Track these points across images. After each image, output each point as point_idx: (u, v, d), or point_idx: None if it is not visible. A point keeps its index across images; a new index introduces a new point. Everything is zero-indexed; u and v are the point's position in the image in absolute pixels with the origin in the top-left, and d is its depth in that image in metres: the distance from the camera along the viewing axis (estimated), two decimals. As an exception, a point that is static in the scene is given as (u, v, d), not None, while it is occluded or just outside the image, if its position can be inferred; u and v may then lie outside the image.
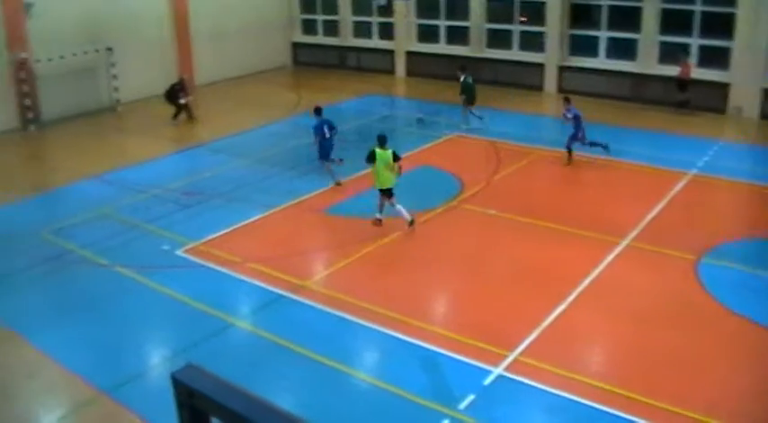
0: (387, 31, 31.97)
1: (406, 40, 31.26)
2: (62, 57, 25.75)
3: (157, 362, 11.60)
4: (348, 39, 33.38)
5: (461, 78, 22.87)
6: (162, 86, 26.25)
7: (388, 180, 15.52)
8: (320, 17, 34.30)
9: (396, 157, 15.57)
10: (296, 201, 17.32)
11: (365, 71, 32.26)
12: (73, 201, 18.53)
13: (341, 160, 18.71)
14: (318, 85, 30.43)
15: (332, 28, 33.84)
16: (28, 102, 25.03)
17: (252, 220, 16.44)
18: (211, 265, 14.32)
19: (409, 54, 31.35)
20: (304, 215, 16.73)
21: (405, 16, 30.90)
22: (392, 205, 15.52)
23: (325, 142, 18.43)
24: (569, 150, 19.60)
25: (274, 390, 10.12)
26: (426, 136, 22.27)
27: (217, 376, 5.83)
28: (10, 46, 24.66)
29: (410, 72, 31.24)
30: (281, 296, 12.95)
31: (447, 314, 12.72)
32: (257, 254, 14.70)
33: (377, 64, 32.19)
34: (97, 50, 26.93)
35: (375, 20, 32.37)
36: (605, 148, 19.60)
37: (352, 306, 12.37)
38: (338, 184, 18.33)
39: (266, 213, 16.76)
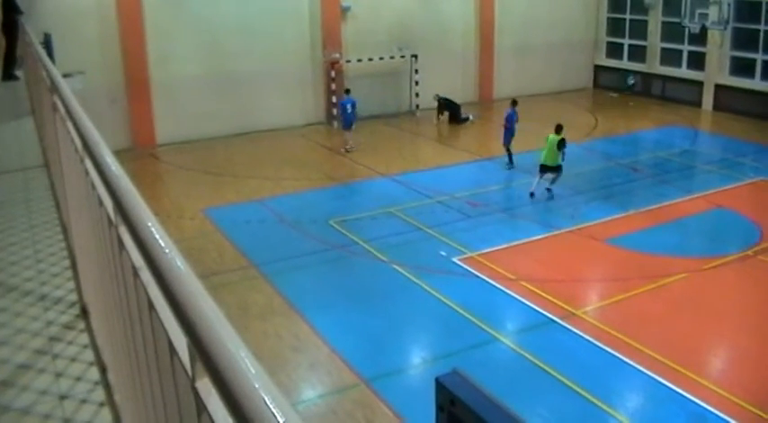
0: (697, 61, 30.22)
1: (717, 72, 29.37)
2: (370, 59, 27.35)
3: (418, 362, 11.96)
4: (654, 66, 32.06)
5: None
6: (460, 97, 27.05)
7: (549, 159, 18.65)
8: (627, 41, 33.27)
9: (561, 145, 18.49)
10: (578, 226, 16.96)
11: (669, 101, 30.82)
12: (363, 195, 19.66)
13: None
14: (617, 111, 29.58)
15: (638, 53, 32.68)
16: (335, 99, 26.86)
17: (531, 239, 16.36)
18: (485, 277, 14.45)
19: (719, 87, 29.41)
20: (584, 242, 16.34)
21: (719, 46, 29.06)
22: (542, 179, 18.83)
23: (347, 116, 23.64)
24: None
25: (529, 414, 9.96)
26: (728, 177, 20.78)
27: (481, 387, 5.75)
28: (325, 46, 26.60)
29: (718, 106, 29.26)
30: (551, 320, 12.75)
31: (726, 371, 11.76)
32: (531, 274, 14.60)
33: (682, 94, 30.56)
34: (403, 56, 28.25)
35: (686, 48, 30.77)
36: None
37: (623, 343, 11.87)
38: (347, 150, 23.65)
39: (546, 235, 16.60)
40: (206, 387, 1.38)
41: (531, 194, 18.77)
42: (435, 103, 27.43)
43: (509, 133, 21.71)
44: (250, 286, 14.24)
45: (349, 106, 23.66)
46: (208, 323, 1.30)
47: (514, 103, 22.65)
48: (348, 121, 23.80)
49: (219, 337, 1.25)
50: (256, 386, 1.11)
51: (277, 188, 20.10)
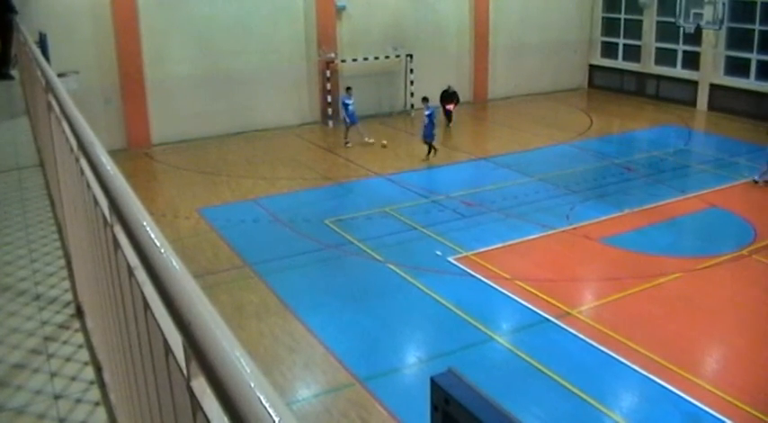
0: (692, 61, 30.22)
1: (711, 72, 29.39)
2: (365, 59, 27.35)
3: (413, 361, 11.94)
4: (649, 65, 32.06)
5: None
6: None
7: None
8: (622, 41, 33.27)
9: None
10: (573, 226, 16.98)
11: (663, 100, 30.84)
12: (359, 195, 19.65)
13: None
14: (613, 111, 29.62)
15: (633, 53, 32.69)
16: (330, 98, 26.82)
17: (526, 238, 16.36)
18: (480, 276, 14.46)
19: (713, 87, 29.41)
20: (579, 241, 16.35)
21: (713, 46, 29.06)
22: None
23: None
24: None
25: (524, 413, 9.97)
26: (721, 177, 20.82)
27: (476, 387, 5.76)
28: (320, 45, 26.59)
29: (712, 106, 29.28)
30: (546, 320, 12.76)
31: (720, 370, 11.79)
32: (526, 273, 14.61)
33: (677, 94, 30.58)
34: (398, 56, 28.25)
35: (680, 47, 30.77)
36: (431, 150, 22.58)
37: (617, 343, 11.89)
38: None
39: (541, 234, 16.61)
40: (201, 386, 1.38)
41: (756, 181, 19.87)
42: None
43: (429, 129, 22.43)
44: (245, 285, 14.23)
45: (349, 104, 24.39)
46: (203, 322, 1.30)
47: (426, 99, 23.40)
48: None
49: (214, 337, 1.25)
50: (251, 385, 1.11)
51: (272, 188, 20.09)
